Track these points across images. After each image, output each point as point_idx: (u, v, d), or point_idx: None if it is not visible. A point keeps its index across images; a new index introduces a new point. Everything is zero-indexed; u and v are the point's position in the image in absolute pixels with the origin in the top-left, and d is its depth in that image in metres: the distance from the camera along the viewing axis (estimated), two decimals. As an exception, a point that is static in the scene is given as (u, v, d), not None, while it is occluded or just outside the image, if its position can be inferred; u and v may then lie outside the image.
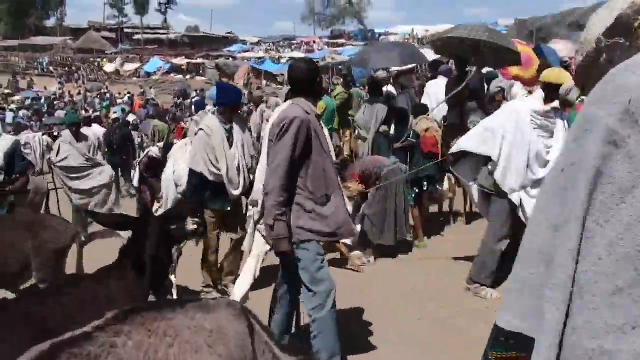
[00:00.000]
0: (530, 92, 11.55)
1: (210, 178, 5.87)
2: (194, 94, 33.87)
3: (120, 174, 13.52)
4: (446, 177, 8.37)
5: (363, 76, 17.19)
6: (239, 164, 5.96)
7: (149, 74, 52.67)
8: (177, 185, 8.46)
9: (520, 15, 29.74)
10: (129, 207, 10.96)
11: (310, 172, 3.91)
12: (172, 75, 50.96)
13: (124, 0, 79.56)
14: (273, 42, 65.02)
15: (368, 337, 4.98)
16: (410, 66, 13.04)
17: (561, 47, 11.08)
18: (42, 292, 3.49)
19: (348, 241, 7.11)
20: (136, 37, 71.31)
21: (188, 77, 48.92)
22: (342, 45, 50.72)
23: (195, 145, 5.95)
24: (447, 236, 8.33)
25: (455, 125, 9.98)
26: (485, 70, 10.77)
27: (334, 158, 4.39)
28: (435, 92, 10.51)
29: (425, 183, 8.03)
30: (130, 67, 55.58)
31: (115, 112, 22.82)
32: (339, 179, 4.22)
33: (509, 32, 21.45)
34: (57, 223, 5.53)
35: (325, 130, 4.27)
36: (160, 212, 10.25)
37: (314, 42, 56.29)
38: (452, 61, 11.33)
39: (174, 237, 3.31)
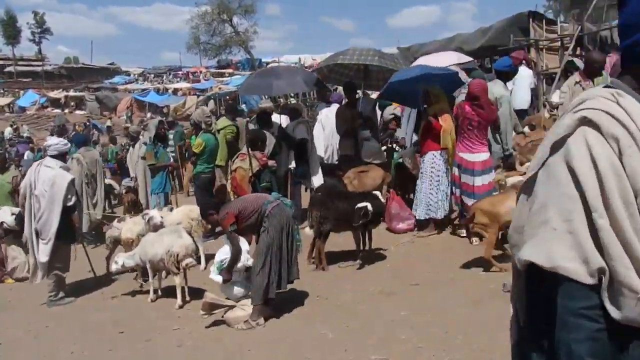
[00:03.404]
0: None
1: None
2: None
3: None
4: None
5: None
6: None
7: (23, 109, 49.13)
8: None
9: (402, 43, 30.34)
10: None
11: None
12: (49, 109, 47.81)
13: (-9, 29, 74.26)
14: (157, 72, 63.02)
15: None
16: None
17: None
18: None
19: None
20: (8, 69, 66.65)
21: (66, 110, 46.00)
22: (229, 75, 49.75)
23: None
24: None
25: (350, 157, 9.43)
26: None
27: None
28: (331, 121, 9.86)
29: None
30: (2, 101, 51.68)
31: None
32: None
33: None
34: None
35: None
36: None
37: (200, 71, 55.05)
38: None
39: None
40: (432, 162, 7.87)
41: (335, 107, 10.08)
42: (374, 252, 7.60)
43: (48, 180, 7.28)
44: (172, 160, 11.58)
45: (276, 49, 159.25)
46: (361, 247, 7.39)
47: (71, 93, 50.37)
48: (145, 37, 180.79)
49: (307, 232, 7.48)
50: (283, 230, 5.94)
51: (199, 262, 8.04)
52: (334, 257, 7.56)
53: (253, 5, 54.75)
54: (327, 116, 10.14)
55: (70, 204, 7.40)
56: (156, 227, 7.51)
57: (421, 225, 8.17)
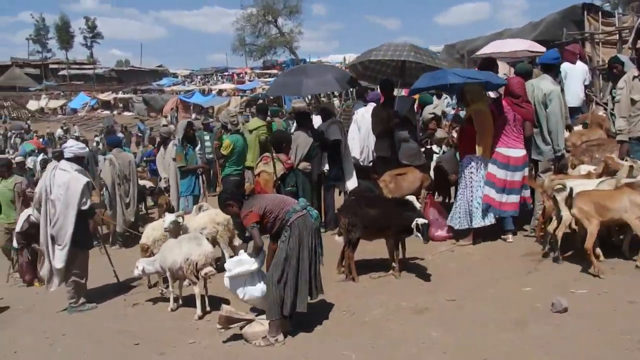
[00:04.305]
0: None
1: None
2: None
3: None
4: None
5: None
6: None
7: (75, 111, 50.39)
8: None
9: (450, 42, 29.33)
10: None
11: None
12: (99, 111, 48.81)
13: (46, 34, 76.50)
14: (204, 74, 63.55)
15: None
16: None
17: (499, 68, 10.15)
18: None
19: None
20: (62, 72, 68.50)
21: (115, 112, 46.84)
22: (274, 75, 49.63)
23: None
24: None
25: (386, 159, 8.88)
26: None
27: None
28: (367, 121, 9.32)
29: None
30: (55, 103, 53.16)
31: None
32: None
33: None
34: None
35: None
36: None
37: (245, 72, 55.18)
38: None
39: None
40: (470, 167, 7.30)
41: (371, 106, 9.55)
42: (409, 261, 7.05)
43: (63, 184, 6.95)
44: (205, 161, 11.25)
45: (322, 49, 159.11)
46: (395, 257, 6.80)
47: (120, 95, 51.31)
48: (193, 40, 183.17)
49: (337, 239, 6.97)
50: (304, 243, 5.42)
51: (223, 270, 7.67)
52: (366, 267, 7.02)
53: (298, 5, 54.52)
54: (363, 116, 9.60)
55: (85, 207, 7.07)
56: (172, 232, 7.16)
57: (459, 233, 7.58)
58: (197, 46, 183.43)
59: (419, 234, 6.31)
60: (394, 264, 6.75)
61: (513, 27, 21.46)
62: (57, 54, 76.79)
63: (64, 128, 37.97)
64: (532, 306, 5.38)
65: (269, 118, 10.59)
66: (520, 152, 7.17)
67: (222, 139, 10.04)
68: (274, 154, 7.66)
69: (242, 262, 5.63)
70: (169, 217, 7.23)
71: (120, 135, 26.56)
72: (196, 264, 6.26)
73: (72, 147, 7.34)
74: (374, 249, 7.34)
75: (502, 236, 7.45)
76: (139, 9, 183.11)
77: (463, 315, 5.44)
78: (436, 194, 9.11)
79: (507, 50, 12.60)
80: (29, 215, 8.91)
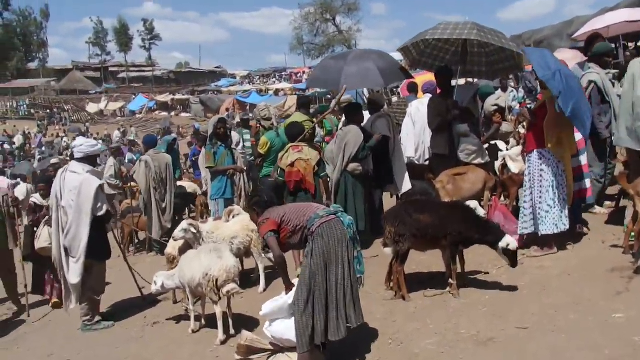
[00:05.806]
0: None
1: None
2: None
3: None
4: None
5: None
6: None
7: (133, 112, 51.19)
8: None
9: (515, 32, 27.81)
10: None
11: None
12: (157, 112, 49.36)
13: (105, 37, 78.16)
14: (263, 74, 63.54)
15: None
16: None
17: (569, 57, 8.96)
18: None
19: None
20: (121, 75, 69.92)
21: (173, 113, 47.21)
22: (332, 74, 48.99)
23: None
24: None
25: (443, 157, 7.82)
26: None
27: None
28: (422, 114, 8.32)
29: None
30: (114, 106, 54.24)
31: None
32: None
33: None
34: None
35: None
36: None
37: (303, 72, 54.69)
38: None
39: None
40: (539, 163, 6.18)
41: (427, 98, 8.50)
42: (469, 277, 5.98)
43: (74, 188, 6.22)
44: (246, 162, 10.35)
45: (383, 48, 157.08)
46: (452, 271, 5.73)
47: (177, 96, 51.78)
48: (252, 41, 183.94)
49: (385, 250, 5.97)
50: (332, 254, 4.46)
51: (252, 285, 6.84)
52: (419, 282, 6.00)
53: (356, 3, 53.83)
54: (417, 109, 8.57)
55: (101, 213, 6.31)
56: (191, 240, 6.41)
57: (530, 242, 6.47)
58: (256, 47, 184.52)
59: (506, 257, 5.48)
60: (451, 280, 5.70)
61: (583, 14, 19.98)
62: (117, 57, 78.59)
63: (121, 130, 38.41)
64: (626, 339, 4.26)
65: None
66: (578, 136, 6.45)
67: (258, 135, 9.14)
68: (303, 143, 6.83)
69: (277, 299, 4.73)
70: (181, 225, 6.47)
71: (173, 135, 26.29)
72: (216, 280, 5.38)
73: (81, 146, 6.55)
74: (429, 260, 6.34)
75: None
76: (199, 12, 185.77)
77: (537, 349, 4.36)
78: (502, 196, 8.00)
79: (601, 26, 11.64)
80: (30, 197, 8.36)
